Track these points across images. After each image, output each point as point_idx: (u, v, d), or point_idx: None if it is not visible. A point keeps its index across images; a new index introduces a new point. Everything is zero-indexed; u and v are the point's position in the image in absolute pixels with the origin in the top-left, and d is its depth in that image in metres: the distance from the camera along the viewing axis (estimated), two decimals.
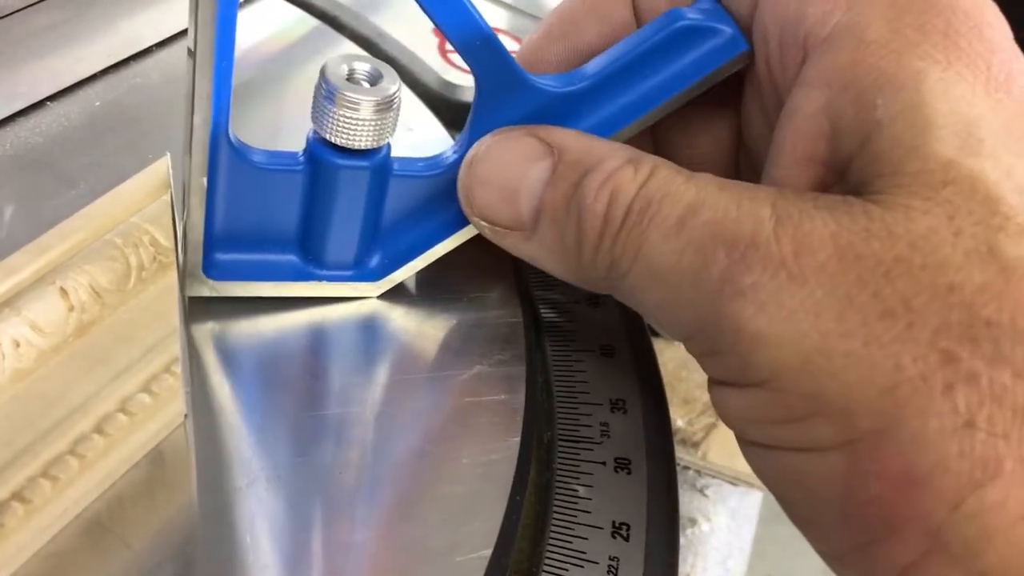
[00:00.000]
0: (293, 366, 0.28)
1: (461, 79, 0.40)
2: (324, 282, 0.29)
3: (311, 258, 0.29)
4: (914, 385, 0.19)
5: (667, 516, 0.28)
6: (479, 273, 0.30)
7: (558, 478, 0.28)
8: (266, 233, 0.28)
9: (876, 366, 0.19)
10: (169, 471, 0.25)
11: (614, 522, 0.27)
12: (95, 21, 0.39)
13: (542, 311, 0.33)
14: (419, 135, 0.36)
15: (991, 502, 0.19)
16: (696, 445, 0.40)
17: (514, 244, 0.26)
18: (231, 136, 0.26)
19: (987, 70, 0.22)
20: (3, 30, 0.36)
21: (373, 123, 0.26)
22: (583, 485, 0.28)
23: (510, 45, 0.47)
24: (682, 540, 0.39)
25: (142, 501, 0.24)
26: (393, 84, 0.26)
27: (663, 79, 0.27)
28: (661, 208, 0.22)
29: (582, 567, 0.26)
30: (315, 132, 0.26)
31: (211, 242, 0.27)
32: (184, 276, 0.27)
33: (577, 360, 0.31)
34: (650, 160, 0.24)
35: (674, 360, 0.43)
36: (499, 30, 0.47)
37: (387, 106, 0.26)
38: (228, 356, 0.28)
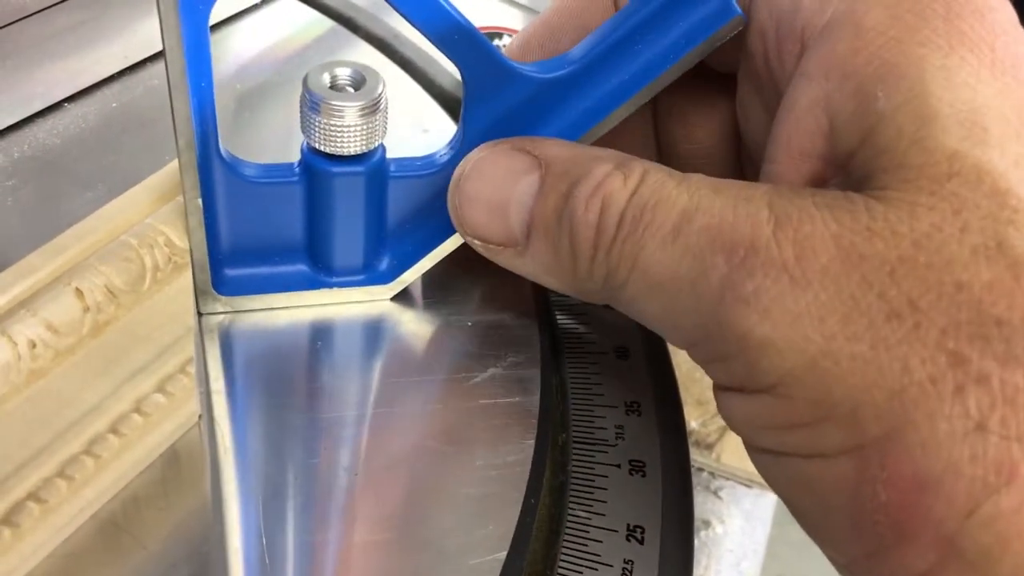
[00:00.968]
0: (305, 368, 0.28)
1: None
2: (335, 288, 0.29)
3: (320, 266, 0.29)
4: (923, 388, 0.19)
5: (682, 518, 0.28)
6: (492, 274, 0.30)
7: (573, 480, 0.28)
8: (273, 245, 0.28)
9: (883, 369, 0.19)
10: (184, 471, 0.25)
11: (628, 525, 0.27)
12: (112, 23, 0.39)
13: (556, 313, 0.33)
14: (434, 136, 0.36)
15: (1007, 508, 0.18)
16: (710, 447, 0.40)
17: (508, 260, 0.26)
18: (223, 153, 0.26)
19: (991, 54, 0.21)
20: (21, 32, 0.36)
21: (361, 128, 0.25)
22: (598, 488, 0.28)
23: None
24: (696, 542, 0.38)
25: (157, 501, 0.24)
26: (377, 87, 0.26)
27: (654, 54, 0.26)
28: (655, 215, 0.22)
29: (596, 570, 0.26)
30: (306, 142, 0.26)
31: (218, 259, 0.27)
32: (196, 293, 0.27)
33: (592, 362, 0.31)
34: (639, 165, 0.23)
35: (688, 362, 0.43)
36: (512, 30, 0.47)
37: (373, 109, 0.25)
38: (240, 358, 0.28)
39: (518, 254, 0.26)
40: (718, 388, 0.23)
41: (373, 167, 0.27)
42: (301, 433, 0.26)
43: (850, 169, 0.22)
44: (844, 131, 0.22)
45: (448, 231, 0.28)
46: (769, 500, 0.41)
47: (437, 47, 0.25)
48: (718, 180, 0.22)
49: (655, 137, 0.30)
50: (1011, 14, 0.22)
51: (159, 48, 0.39)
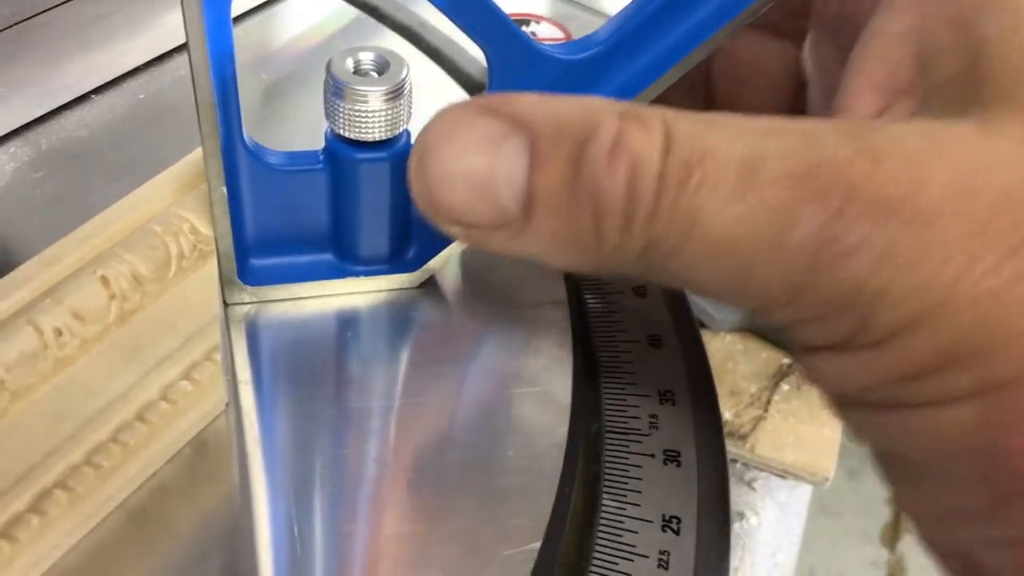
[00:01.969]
0: (333, 358, 0.28)
1: None
2: (361, 277, 0.29)
3: (346, 255, 0.28)
4: None
5: (718, 508, 0.27)
6: (525, 268, 0.30)
7: (606, 471, 0.27)
8: (298, 234, 0.28)
9: (1014, 305, 0.17)
10: (212, 460, 0.24)
11: (664, 515, 0.26)
12: (138, 14, 0.39)
13: (587, 299, 0.32)
14: None
15: None
16: (744, 438, 0.40)
17: (502, 244, 0.22)
18: (247, 141, 0.25)
19: None
20: (48, 24, 0.36)
21: (385, 113, 0.25)
22: (632, 478, 0.27)
23: (552, 32, 0.47)
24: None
25: (186, 491, 0.24)
26: (401, 71, 0.25)
27: (686, 30, 0.25)
28: (707, 172, 0.19)
29: (632, 561, 0.25)
30: (330, 129, 0.26)
31: (243, 248, 0.27)
32: (222, 283, 0.27)
33: (624, 351, 0.31)
34: (651, 112, 0.20)
35: (720, 351, 0.43)
36: (541, 17, 0.47)
37: (397, 94, 0.25)
38: (267, 349, 0.27)
39: (514, 235, 0.21)
40: (807, 349, 0.21)
41: (398, 153, 0.26)
42: (330, 424, 0.26)
43: (941, 99, 0.20)
44: (939, 60, 0.20)
45: None
46: (804, 492, 0.40)
47: (463, 30, 0.24)
48: (757, 120, 0.20)
49: (705, 99, 0.29)
50: None
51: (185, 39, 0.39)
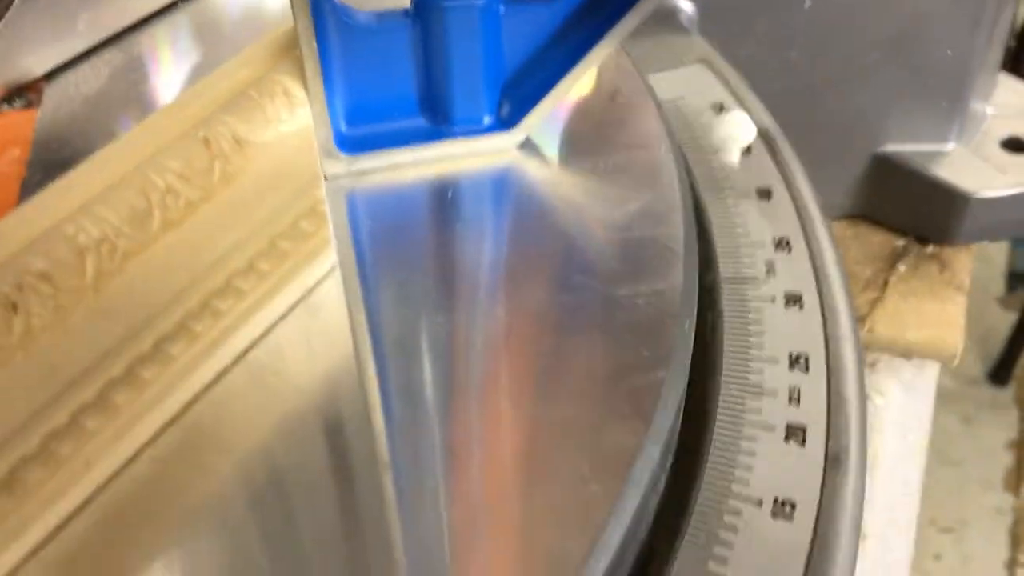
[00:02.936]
0: (432, 227, 0.27)
1: None
2: (458, 139, 0.28)
3: (440, 117, 0.28)
4: None
5: (850, 345, 0.26)
6: (617, 111, 0.29)
7: (727, 315, 0.26)
8: (391, 98, 0.27)
9: None
10: (324, 321, 0.24)
11: (791, 354, 0.25)
12: None
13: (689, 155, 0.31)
14: None
15: None
16: (862, 320, 0.38)
17: None
18: (335, 1, 0.25)
19: None
20: None
21: None
22: (753, 321, 0.26)
23: None
24: None
25: (301, 348, 0.23)
26: None
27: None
28: None
29: (760, 399, 0.24)
30: None
31: (337, 117, 0.27)
32: (319, 154, 0.27)
33: (732, 205, 0.30)
34: None
35: None
36: None
37: None
38: (366, 220, 0.27)
39: None
40: None
41: None
42: (432, 295, 0.25)
43: None
44: None
45: (569, 63, 0.27)
46: (930, 372, 0.39)
47: None
48: None
49: None
50: None
51: None
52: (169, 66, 0.34)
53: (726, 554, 0.21)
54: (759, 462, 0.23)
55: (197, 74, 0.33)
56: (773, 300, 0.27)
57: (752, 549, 0.21)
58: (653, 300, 0.24)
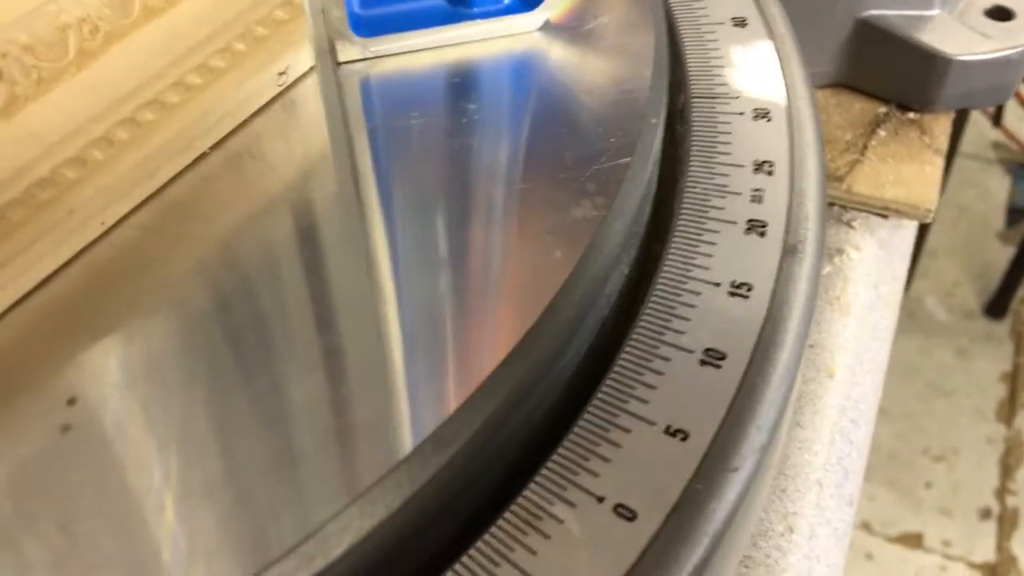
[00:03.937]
0: (450, 115, 0.26)
1: None
2: (478, 20, 0.27)
3: None
4: None
5: (813, 156, 0.26)
6: None
7: (695, 128, 0.27)
8: None
9: None
10: (302, 117, 0.25)
11: (756, 161, 0.26)
12: None
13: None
14: None
15: None
16: (840, 179, 0.39)
17: None
18: None
19: None
20: None
21: None
22: (721, 132, 0.27)
23: None
24: (829, 268, 0.37)
25: (279, 137, 0.24)
26: None
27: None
28: None
29: (724, 197, 0.25)
30: None
31: None
32: (331, 38, 0.26)
33: (708, 31, 0.30)
34: None
35: None
36: None
37: None
38: (382, 108, 0.26)
39: None
40: None
41: None
42: (447, 189, 0.24)
43: None
44: None
45: None
46: (907, 232, 0.39)
47: None
48: None
49: None
50: None
51: None
52: None
53: (684, 326, 0.22)
54: (719, 250, 0.24)
55: None
56: (742, 114, 0.27)
57: (709, 321, 0.22)
58: (625, 98, 0.25)
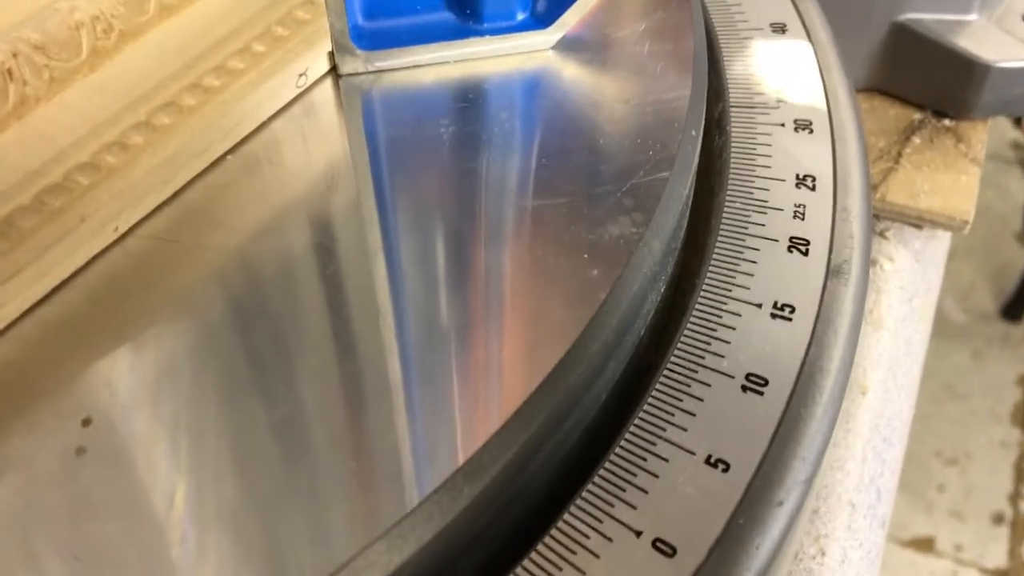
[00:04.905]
0: (455, 133, 0.24)
1: None
2: (487, 37, 0.25)
3: (468, 11, 0.25)
4: None
5: (857, 169, 0.25)
6: (656, 9, 0.27)
7: (734, 139, 0.26)
8: None
9: None
10: (321, 121, 0.24)
11: (798, 175, 0.25)
12: None
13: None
14: None
15: None
16: (874, 187, 0.37)
17: None
18: None
19: None
20: None
21: None
22: (761, 144, 0.26)
23: None
24: None
25: (299, 142, 0.23)
26: None
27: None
28: None
29: (765, 213, 0.24)
30: None
31: (354, 7, 0.25)
32: (334, 50, 0.25)
33: (746, 38, 0.29)
34: None
35: None
36: None
37: None
38: (384, 124, 0.25)
39: None
40: None
41: None
42: (452, 202, 0.22)
43: None
44: None
45: None
46: (942, 241, 0.38)
47: None
48: None
49: None
50: None
51: None
52: None
53: (724, 349, 0.21)
54: (760, 269, 0.23)
55: None
56: (782, 125, 0.26)
57: (750, 344, 0.21)
58: (662, 108, 0.24)
